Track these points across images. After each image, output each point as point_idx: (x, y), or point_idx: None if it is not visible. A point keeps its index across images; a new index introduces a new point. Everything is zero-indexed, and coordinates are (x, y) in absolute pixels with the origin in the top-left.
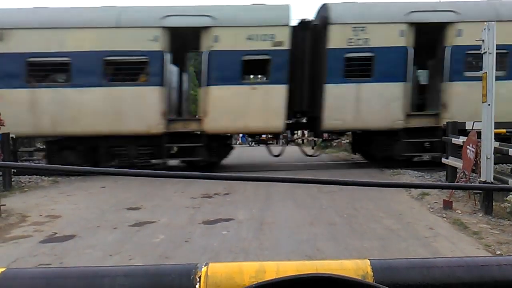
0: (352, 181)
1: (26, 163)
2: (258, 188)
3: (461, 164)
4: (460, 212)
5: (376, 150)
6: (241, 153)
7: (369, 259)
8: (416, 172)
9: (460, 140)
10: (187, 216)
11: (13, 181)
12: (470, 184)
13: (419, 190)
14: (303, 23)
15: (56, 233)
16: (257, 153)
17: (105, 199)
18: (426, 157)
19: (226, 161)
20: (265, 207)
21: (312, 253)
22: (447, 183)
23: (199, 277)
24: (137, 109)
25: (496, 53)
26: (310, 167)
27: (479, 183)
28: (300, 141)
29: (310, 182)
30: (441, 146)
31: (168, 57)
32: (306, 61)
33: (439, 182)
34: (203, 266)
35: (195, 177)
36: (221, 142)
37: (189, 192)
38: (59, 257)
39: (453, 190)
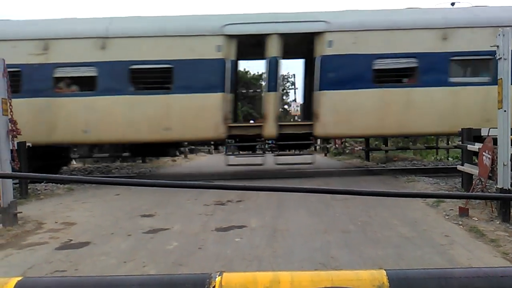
0: (367, 191)
1: (42, 174)
2: (271, 195)
3: (477, 171)
4: (476, 219)
5: None
6: None
7: (385, 269)
8: (431, 179)
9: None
10: (200, 223)
11: (29, 188)
12: (487, 193)
13: None
14: None
15: (71, 240)
16: None
17: (119, 207)
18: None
19: None
20: (277, 214)
21: (326, 261)
22: (464, 193)
23: (213, 287)
24: None
25: None
26: (323, 174)
27: (496, 190)
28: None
29: (325, 192)
30: None
31: None
32: None
33: (455, 191)
34: (217, 276)
35: (208, 187)
36: None
37: (202, 199)
38: (74, 264)
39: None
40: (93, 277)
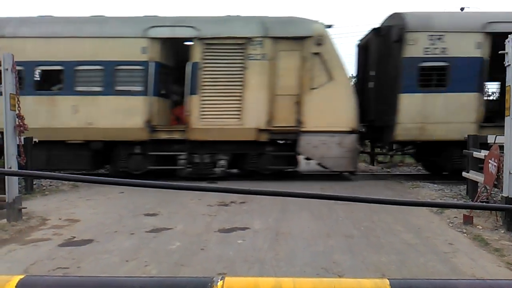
0: (372, 198)
1: (47, 172)
2: (274, 198)
3: (482, 179)
4: (481, 228)
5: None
6: None
7: (388, 279)
8: (435, 185)
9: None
10: (203, 223)
11: (35, 184)
12: (492, 204)
13: None
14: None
15: (74, 237)
16: None
17: (123, 205)
18: None
19: None
20: (281, 217)
21: (328, 266)
22: (469, 203)
23: None
24: None
25: None
26: (327, 177)
27: (501, 198)
28: None
29: (328, 198)
30: None
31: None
32: None
33: (460, 199)
34: (219, 280)
35: (212, 190)
36: None
37: (205, 199)
38: (77, 261)
39: None
40: (94, 277)
